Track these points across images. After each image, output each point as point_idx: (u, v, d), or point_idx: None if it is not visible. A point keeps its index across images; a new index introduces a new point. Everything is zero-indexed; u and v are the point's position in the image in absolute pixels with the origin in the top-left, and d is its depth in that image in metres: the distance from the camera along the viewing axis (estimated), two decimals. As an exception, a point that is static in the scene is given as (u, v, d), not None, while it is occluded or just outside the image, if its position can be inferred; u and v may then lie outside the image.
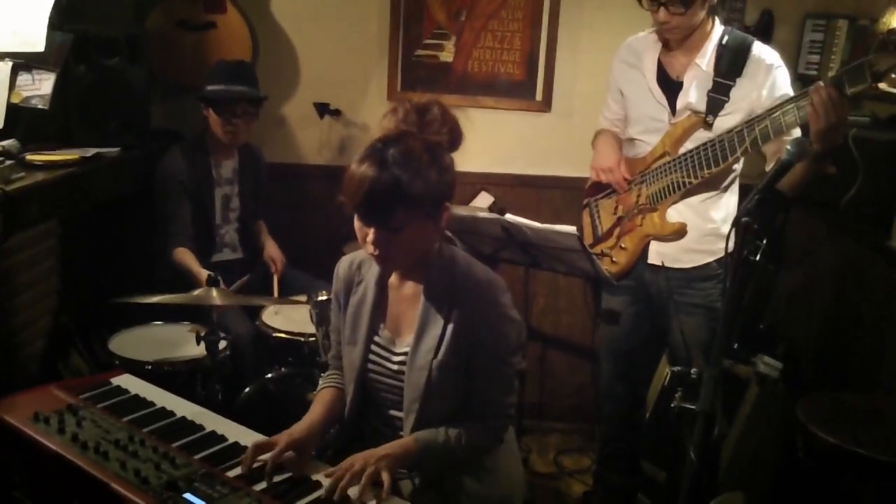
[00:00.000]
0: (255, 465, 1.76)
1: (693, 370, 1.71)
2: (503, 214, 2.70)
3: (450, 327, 1.85)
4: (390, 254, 1.78)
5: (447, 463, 1.88)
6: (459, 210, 2.88)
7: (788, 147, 1.81)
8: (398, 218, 1.71)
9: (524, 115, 3.69)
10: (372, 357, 1.96)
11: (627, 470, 3.06)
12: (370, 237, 1.75)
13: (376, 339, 1.96)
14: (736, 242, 1.78)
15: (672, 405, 1.70)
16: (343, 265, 2.04)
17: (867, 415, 2.28)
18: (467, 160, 3.68)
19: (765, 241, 1.75)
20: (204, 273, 3.04)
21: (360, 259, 2.01)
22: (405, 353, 1.90)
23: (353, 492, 1.67)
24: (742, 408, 2.85)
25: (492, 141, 3.72)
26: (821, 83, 2.23)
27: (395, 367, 1.92)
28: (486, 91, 3.67)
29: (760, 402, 2.82)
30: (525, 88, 3.67)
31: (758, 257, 1.75)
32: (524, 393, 3.20)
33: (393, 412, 1.97)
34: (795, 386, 2.81)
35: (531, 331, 3.77)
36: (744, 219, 1.75)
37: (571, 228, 2.57)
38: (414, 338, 1.88)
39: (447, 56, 3.65)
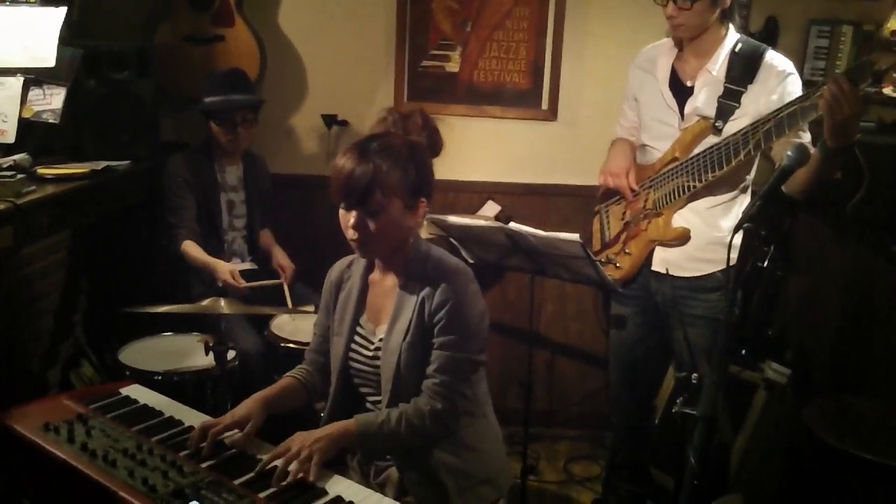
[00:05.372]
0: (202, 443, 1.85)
1: (694, 375, 1.71)
2: (509, 223, 2.71)
3: (418, 309, 1.96)
4: (368, 238, 1.90)
5: (389, 445, 1.94)
6: (464, 219, 2.91)
7: (788, 153, 1.80)
8: (376, 201, 1.86)
9: (530, 124, 3.71)
10: (353, 346, 2.08)
11: (637, 478, 3.05)
12: (351, 221, 1.89)
13: (358, 329, 2.09)
14: (741, 248, 1.78)
15: (674, 410, 1.70)
16: (336, 266, 2.20)
17: (873, 419, 2.28)
18: (474, 169, 3.73)
19: (772, 247, 1.75)
20: (220, 261, 3.10)
21: (350, 260, 2.17)
22: (382, 340, 2.01)
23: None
24: (750, 414, 2.84)
25: (498, 150, 3.74)
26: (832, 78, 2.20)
27: (371, 353, 2.04)
28: (493, 100, 3.70)
29: (769, 408, 2.81)
30: (531, 97, 3.70)
31: (766, 263, 1.75)
32: (533, 400, 3.18)
33: (371, 399, 2.08)
34: (803, 392, 2.80)
35: (539, 338, 3.78)
36: (746, 224, 1.75)
37: (574, 236, 2.57)
38: (388, 324, 2.00)
39: (453, 66, 3.68)
